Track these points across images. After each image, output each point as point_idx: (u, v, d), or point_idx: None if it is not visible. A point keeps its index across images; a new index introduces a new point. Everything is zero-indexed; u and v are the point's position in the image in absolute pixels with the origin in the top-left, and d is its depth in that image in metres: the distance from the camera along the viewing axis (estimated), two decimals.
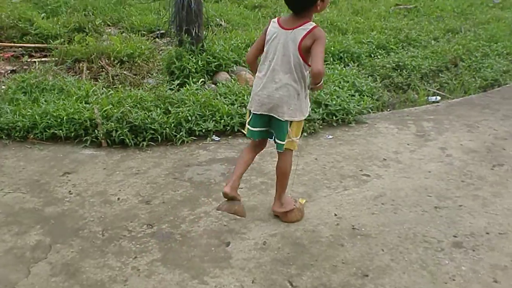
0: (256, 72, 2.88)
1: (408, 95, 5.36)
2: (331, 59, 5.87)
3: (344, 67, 5.66)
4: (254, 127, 2.90)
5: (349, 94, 4.82)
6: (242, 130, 4.30)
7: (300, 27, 2.68)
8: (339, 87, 4.92)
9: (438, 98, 5.37)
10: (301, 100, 2.80)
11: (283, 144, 2.86)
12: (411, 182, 3.59)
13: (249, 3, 9.19)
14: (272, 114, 2.79)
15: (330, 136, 4.32)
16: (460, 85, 5.61)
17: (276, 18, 2.81)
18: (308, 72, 2.77)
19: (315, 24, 2.69)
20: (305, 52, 2.68)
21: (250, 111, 2.89)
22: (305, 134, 4.24)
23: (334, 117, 4.50)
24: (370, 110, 4.81)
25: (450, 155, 4.02)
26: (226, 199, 2.86)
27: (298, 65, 2.71)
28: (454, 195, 3.43)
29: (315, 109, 4.46)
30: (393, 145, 4.17)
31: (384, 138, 4.30)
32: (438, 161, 3.91)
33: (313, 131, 4.33)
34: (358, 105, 4.68)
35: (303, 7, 2.70)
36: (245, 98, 4.58)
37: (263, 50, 2.82)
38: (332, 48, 6.01)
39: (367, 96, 4.98)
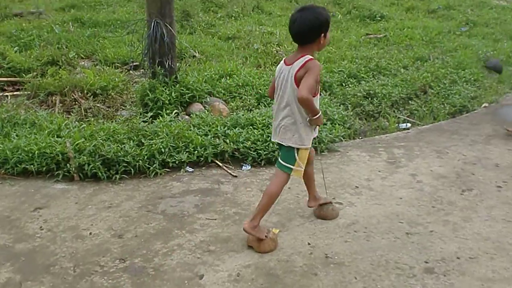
0: None
1: (379, 122, 5.46)
2: None
3: None
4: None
5: None
6: (216, 161, 4.34)
7: (298, 61, 2.91)
8: None
9: (409, 125, 5.48)
10: (300, 129, 2.99)
11: (282, 164, 3.09)
12: (383, 209, 3.64)
13: (223, 35, 9.30)
14: (277, 141, 3.11)
15: None
16: (430, 111, 5.75)
17: (284, 58, 3.07)
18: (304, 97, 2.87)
19: (310, 57, 2.90)
20: (297, 81, 2.89)
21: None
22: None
23: None
24: (342, 138, 4.89)
25: (421, 181, 4.10)
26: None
27: (294, 96, 2.92)
28: (425, 221, 3.48)
29: None
30: (365, 172, 4.23)
31: (356, 166, 4.37)
32: (409, 187, 3.98)
33: None
34: (330, 134, 4.75)
35: (304, 42, 2.94)
36: (219, 128, 4.61)
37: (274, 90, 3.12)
38: None
39: (339, 124, 5.06)
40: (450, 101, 5.98)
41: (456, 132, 5.21)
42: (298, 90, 2.84)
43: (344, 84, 6.35)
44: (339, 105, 5.66)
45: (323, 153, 4.58)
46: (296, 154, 3.04)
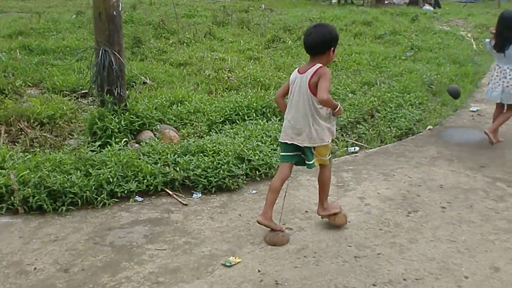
0: (283, 109, 3.62)
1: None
2: (254, 115, 6.01)
3: (267, 121, 5.80)
4: (283, 153, 3.62)
5: (271, 149, 4.95)
6: (166, 189, 4.30)
7: (310, 69, 3.37)
8: (262, 142, 5.04)
9: (357, 148, 5.61)
10: (317, 130, 3.42)
11: (311, 163, 3.52)
12: (332, 233, 3.69)
13: (175, 61, 9.32)
14: (294, 141, 3.47)
15: (254, 191, 4.39)
16: (377, 135, 5.90)
17: (297, 68, 3.53)
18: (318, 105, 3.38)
19: (321, 65, 3.36)
20: (314, 88, 3.32)
21: (280, 141, 3.65)
22: (229, 189, 4.31)
23: (257, 172, 4.59)
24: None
25: (369, 204, 4.19)
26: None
27: (309, 99, 3.37)
28: (373, 244, 3.55)
29: (238, 165, 4.53)
30: (314, 197, 4.26)
31: (306, 191, 4.42)
32: (357, 210, 4.05)
33: (236, 187, 4.38)
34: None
35: (316, 53, 3.40)
36: (169, 156, 4.59)
37: (287, 92, 3.55)
38: (254, 104, 6.17)
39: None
40: (396, 124, 6.16)
41: (402, 155, 5.37)
42: (318, 93, 3.27)
43: None
44: None
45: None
46: (321, 151, 3.52)
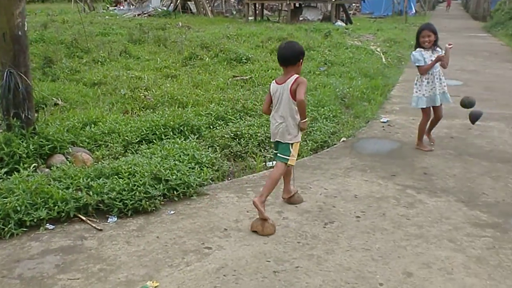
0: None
1: (247, 162, 5.60)
2: (171, 133, 5.94)
3: (185, 140, 5.76)
4: (276, 151, 4.31)
5: (189, 167, 4.91)
6: (79, 215, 4.13)
7: (289, 79, 4.04)
8: (180, 161, 4.98)
9: (275, 162, 5.65)
10: (295, 127, 4.11)
11: (281, 157, 4.17)
12: (251, 249, 3.69)
13: (88, 81, 9.06)
14: (278, 140, 4.18)
15: (172, 212, 4.31)
16: None
17: (274, 80, 4.21)
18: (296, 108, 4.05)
19: (297, 75, 4.05)
20: (294, 93, 3.98)
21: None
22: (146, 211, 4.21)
23: (175, 192, 4.52)
24: (210, 181, 4.93)
25: (287, 217, 4.24)
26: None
27: (289, 103, 4.04)
28: (291, 257, 3.59)
29: (155, 186, 4.45)
30: (233, 214, 4.29)
31: (225, 208, 4.41)
32: (276, 224, 4.09)
33: (153, 208, 4.29)
34: (198, 177, 4.77)
35: (288, 64, 4.06)
36: (81, 180, 4.42)
37: (271, 102, 4.20)
38: (172, 122, 6.11)
39: (207, 167, 5.11)
40: (312, 137, 6.31)
41: (318, 167, 5.50)
42: (297, 95, 3.93)
43: (212, 127, 6.44)
44: (208, 148, 5.72)
45: (192, 198, 4.57)
46: (290, 148, 4.12)
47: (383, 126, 7.20)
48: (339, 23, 24.60)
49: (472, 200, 4.64)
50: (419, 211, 4.42)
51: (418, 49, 6.00)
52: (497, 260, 3.59)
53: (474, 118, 6.28)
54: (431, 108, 6.07)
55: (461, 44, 18.52)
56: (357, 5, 38.09)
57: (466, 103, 6.11)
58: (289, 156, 4.15)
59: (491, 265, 3.52)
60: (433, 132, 6.37)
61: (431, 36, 5.93)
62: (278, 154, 4.20)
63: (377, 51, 14.14)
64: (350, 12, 32.70)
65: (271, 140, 4.36)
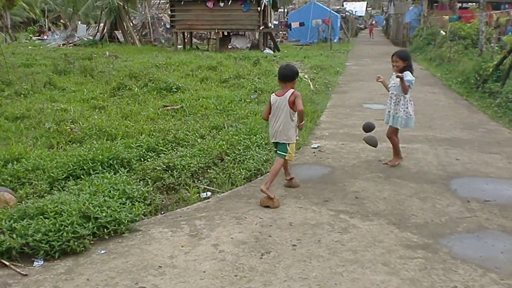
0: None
1: (180, 194, 5.49)
2: (100, 168, 5.74)
3: (115, 174, 5.58)
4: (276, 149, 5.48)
5: (120, 203, 4.74)
6: (1, 260, 3.87)
7: (287, 92, 5.25)
8: (109, 197, 4.81)
9: (209, 193, 5.61)
10: (291, 131, 5.30)
11: (280, 154, 5.36)
12: (188, 287, 3.58)
13: (10, 115, 8.65)
14: (276, 141, 5.38)
15: (103, 251, 4.12)
16: (228, 178, 5.98)
17: (273, 93, 5.43)
18: (295, 115, 5.31)
19: (293, 89, 5.29)
20: (292, 104, 5.20)
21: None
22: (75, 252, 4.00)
23: (105, 230, 4.34)
24: (143, 216, 4.78)
25: (223, 250, 4.16)
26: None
27: (287, 113, 5.24)
28: None
29: (84, 224, 4.24)
30: (167, 249, 4.16)
31: (159, 244, 4.28)
32: (212, 258, 4.01)
33: (83, 248, 4.08)
34: (130, 213, 4.61)
35: (287, 80, 5.30)
36: (3, 222, 4.15)
37: (270, 112, 5.37)
38: (100, 156, 5.91)
39: (139, 202, 4.96)
40: (245, 166, 6.30)
41: (253, 196, 5.48)
42: (298, 106, 5.16)
43: (143, 159, 6.29)
44: (139, 181, 5.57)
45: (123, 235, 4.39)
46: (287, 147, 5.31)
47: (314, 152, 7.32)
48: (267, 50, 25.10)
49: (402, 222, 4.78)
50: (353, 235, 4.48)
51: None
52: (429, 281, 3.68)
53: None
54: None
55: (384, 69, 19.34)
56: (284, 33, 39.09)
57: (365, 128, 6.64)
58: (286, 153, 5.33)
59: (424, 287, 3.61)
60: (364, 156, 6.54)
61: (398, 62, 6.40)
62: (278, 152, 5.38)
63: (305, 77, 14.48)
64: (277, 39, 33.49)
65: (271, 141, 5.58)
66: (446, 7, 30.85)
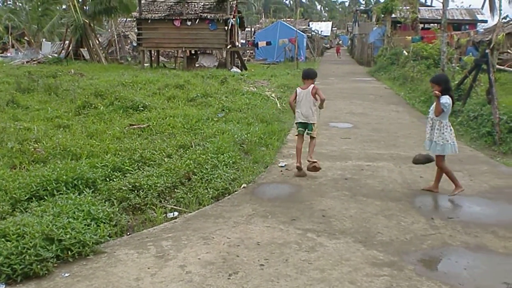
0: (294, 109, 7.37)
1: (147, 215, 5.43)
2: (64, 188, 5.63)
3: (79, 194, 5.48)
4: (299, 128, 7.32)
5: (84, 224, 4.65)
6: None
7: (310, 87, 7.18)
8: (74, 218, 4.71)
9: (176, 213, 5.57)
10: (315, 114, 7.16)
11: (309, 132, 7.22)
12: None
13: None
14: (305, 121, 7.17)
15: (67, 274, 4.03)
16: (195, 198, 5.95)
17: (299, 87, 7.37)
18: (317, 102, 7.22)
19: (314, 84, 7.23)
20: (314, 95, 7.10)
21: (296, 123, 7.43)
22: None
23: (69, 252, 4.24)
24: (108, 238, 4.70)
25: (190, 271, 4.12)
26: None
27: (311, 101, 7.14)
28: None
29: (47, 247, 4.14)
30: (133, 272, 4.10)
31: (125, 266, 4.21)
32: (179, 280, 3.96)
33: (46, 272, 3.98)
34: (95, 235, 4.53)
35: (310, 78, 7.31)
36: None
37: (295, 99, 7.27)
38: (64, 176, 5.79)
39: (104, 223, 4.88)
40: (213, 185, 6.28)
41: (220, 216, 5.46)
42: (321, 96, 7.18)
43: (108, 179, 6.19)
44: (104, 202, 5.47)
45: (88, 257, 4.31)
46: (314, 126, 7.20)
47: (281, 171, 7.37)
48: (235, 69, 25.23)
49: (368, 240, 4.83)
50: (320, 254, 4.51)
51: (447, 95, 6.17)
52: None
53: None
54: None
55: (349, 88, 19.72)
56: (251, 51, 39.40)
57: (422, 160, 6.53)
58: (313, 130, 7.24)
59: None
60: (331, 174, 6.61)
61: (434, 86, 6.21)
62: (308, 131, 7.27)
63: (272, 96, 14.60)
64: (244, 58, 33.73)
65: (298, 121, 7.30)
66: (408, 27, 31.73)
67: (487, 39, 21.61)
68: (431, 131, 6.30)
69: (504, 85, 16.49)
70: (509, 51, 21.15)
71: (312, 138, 7.22)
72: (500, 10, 18.20)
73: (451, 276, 4.12)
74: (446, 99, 6.09)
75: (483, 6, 36.43)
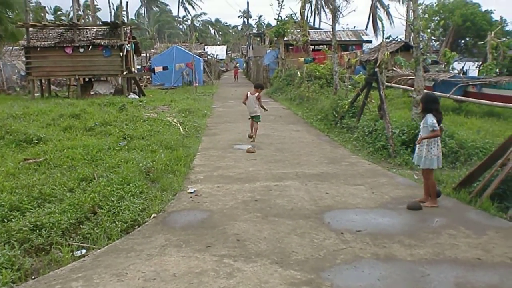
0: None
1: (52, 255, 5.09)
2: None
3: None
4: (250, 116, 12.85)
5: None
6: None
7: (256, 93, 12.58)
8: None
9: (84, 251, 5.28)
10: (258, 111, 12.63)
11: (259, 120, 12.83)
12: None
13: None
14: (253, 114, 12.60)
15: None
16: (103, 232, 5.68)
17: (249, 92, 12.66)
18: (258, 103, 12.68)
19: (259, 93, 12.72)
20: (258, 99, 12.55)
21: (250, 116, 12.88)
22: None
23: None
24: (12, 284, 4.35)
25: None
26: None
27: (256, 102, 12.52)
28: None
29: None
30: None
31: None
32: None
33: None
34: None
35: (258, 88, 12.95)
36: None
37: (246, 99, 12.70)
38: None
39: (6, 268, 4.51)
40: (121, 217, 6.05)
41: (132, 249, 5.26)
42: (260, 101, 12.59)
43: (6, 220, 5.74)
44: (4, 245, 5.07)
45: None
46: (258, 118, 12.68)
47: (191, 197, 7.27)
48: (132, 95, 24.67)
49: (284, 260, 4.89)
50: (238, 279, 4.48)
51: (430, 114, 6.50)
52: None
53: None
54: None
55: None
56: (148, 77, 38.84)
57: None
58: (259, 120, 12.49)
59: None
60: (241, 197, 6.61)
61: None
62: (255, 120, 12.31)
63: (174, 122, 14.44)
64: (141, 84, 33.13)
65: (250, 115, 12.45)
66: (301, 49, 33.02)
67: (373, 58, 23.10)
68: (420, 147, 6.71)
69: (391, 101, 17.67)
70: (394, 68, 22.69)
71: (256, 123, 12.41)
72: (383, 30, 19.53)
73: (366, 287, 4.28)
74: (431, 120, 6.49)
75: (366, 27, 39.01)
